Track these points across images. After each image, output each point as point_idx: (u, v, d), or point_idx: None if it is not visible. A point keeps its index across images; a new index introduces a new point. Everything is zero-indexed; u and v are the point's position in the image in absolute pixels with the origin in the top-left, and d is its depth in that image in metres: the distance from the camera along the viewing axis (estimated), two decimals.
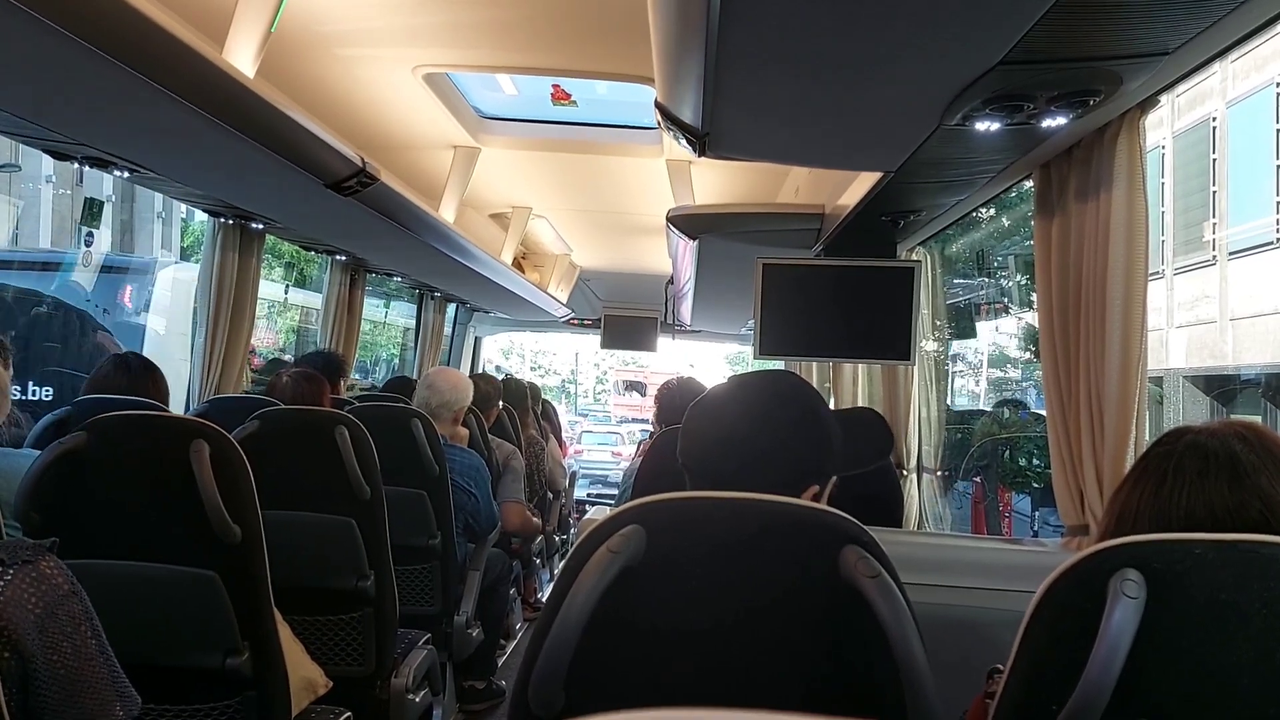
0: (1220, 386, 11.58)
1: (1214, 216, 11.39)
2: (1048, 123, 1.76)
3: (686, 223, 3.18)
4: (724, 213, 3.23)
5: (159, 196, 17.71)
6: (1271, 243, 10.67)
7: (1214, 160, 11.38)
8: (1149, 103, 1.92)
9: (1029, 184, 2.50)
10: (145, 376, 2.99)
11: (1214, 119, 11.29)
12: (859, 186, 2.45)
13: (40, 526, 2.01)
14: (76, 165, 2.74)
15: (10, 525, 2.02)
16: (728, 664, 1.10)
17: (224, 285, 3.86)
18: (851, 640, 1.09)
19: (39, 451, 2.18)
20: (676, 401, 3.59)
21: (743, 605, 1.10)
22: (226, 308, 3.90)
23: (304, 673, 2.46)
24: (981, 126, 1.74)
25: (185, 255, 20.48)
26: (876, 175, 2.31)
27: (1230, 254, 11.41)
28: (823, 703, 1.09)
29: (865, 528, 1.14)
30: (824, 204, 2.98)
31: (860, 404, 4.05)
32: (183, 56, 1.95)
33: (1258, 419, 10.59)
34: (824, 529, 1.11)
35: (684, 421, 1.43)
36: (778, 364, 4.36)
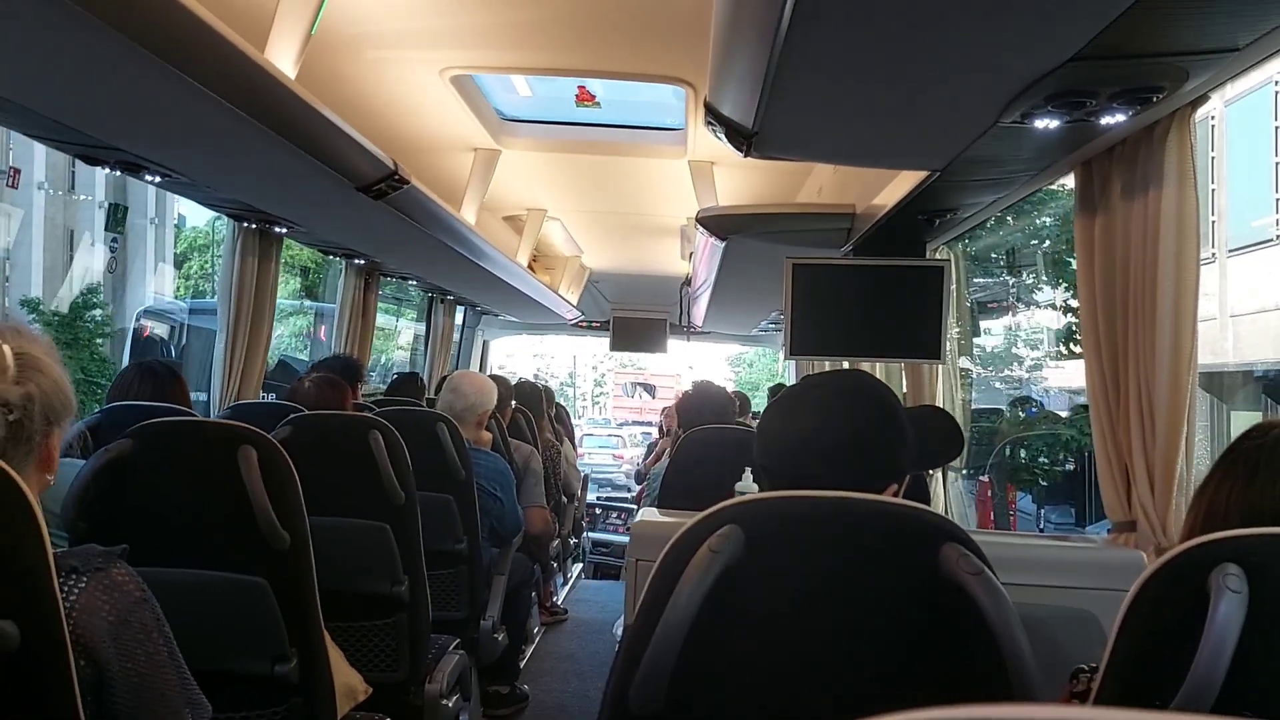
0: (1224, 383, 11.58)
1: (1214, 214, 11.42)
2: (1105, 120, 1.75)
3: (717, 223, 3.18)
4: (754, 213, 3.23)
5: (151, 200, 17.63)
6: (1271, 239, 10.70)
7: (1213, 158, 11.41)
8: (1200, 99, 1.92)
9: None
10: (172, 383, 2.99)
11: (1213, 117, 11.32)
12: (898, 186, 2.45)
13: (87, 535, 2.00)
14: (106, 171, 2.73)
15: (57, 534, 2.00)
16: (830, 662, 1.09)
17: (244, 290, 3.84)
18: (954, 636, 1.09)
19: (78, 460, 2.16)
20: (697, 404, 3.60)
21: (843, 603, 1.10)
22: (247, 313, 3.87)
23: (345, 679, 2.45)
24: (1039, 124, 1.74)
25: (179, 261, 20.38)
26: (917, 175, 2.30)
27: (1230, 251, 11.44)
28: (927, 699, 1.09)
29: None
30: (854, 203, 2.98)
31: None
32: (229, 57, 1.94)
33: (1258, 415, 10.65)
34: (924, 527, 1.10)
35: (761, 421, 1.42)
36: (811, 364, 4.33)
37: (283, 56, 2.22)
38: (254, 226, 3.71)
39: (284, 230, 3.77)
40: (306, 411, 3.05)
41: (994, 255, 10.82)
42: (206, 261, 19.69)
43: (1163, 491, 2.08)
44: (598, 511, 8.30)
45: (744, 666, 1.10)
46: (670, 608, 1.05)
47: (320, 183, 2.78)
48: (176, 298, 18.87)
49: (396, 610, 2.87)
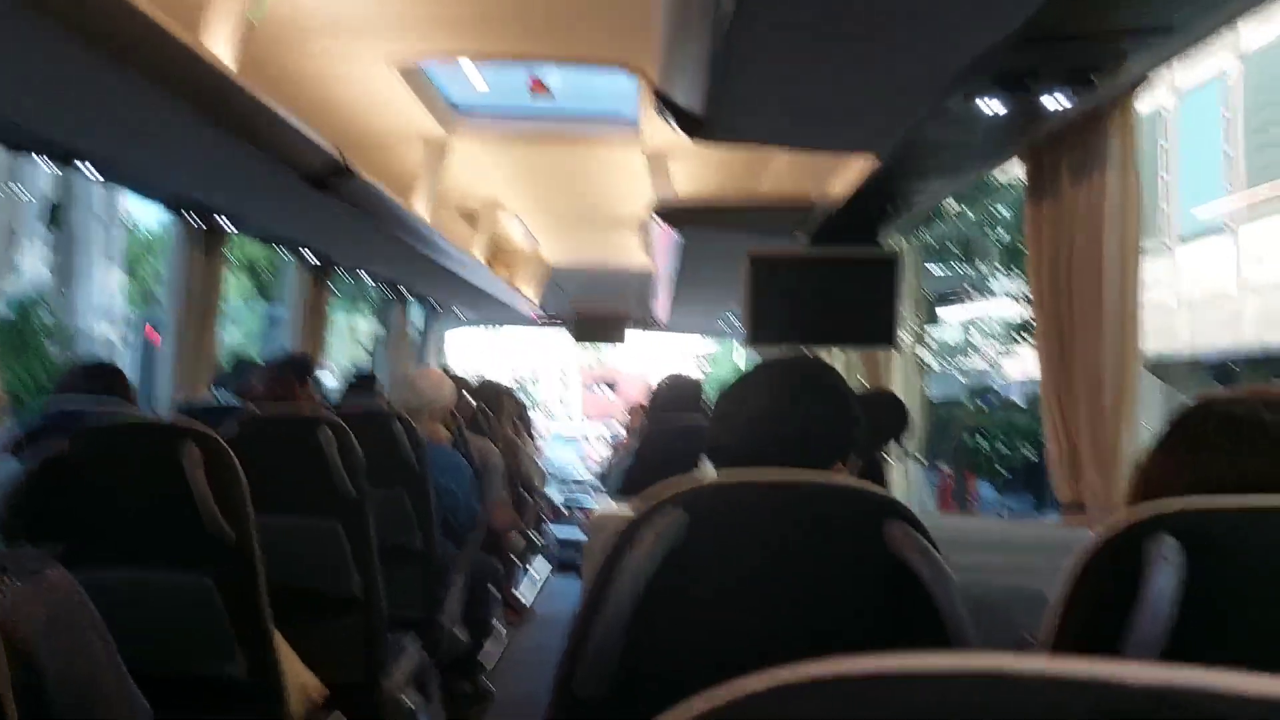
0: (1178, 370, 11.76)
1: (1165, 204, 11.60)
2: (1048, 102, 1.76)
3: (673, 215, 3.17)
4: (711, 205, 3.22)
5: (98, 199, 17.28)
6: (1221, 229, 10.88)
7: (1163, 148, 11.58)
8: (1141, 85, 1.93)
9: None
10: (116, 382, 2.93)
11: (1165, 109, 11.49)
12: (849, 175, 2.45)
13: (25, 537, 1.95)
14: (49, 169, 2.66)
15: None
16: (776, 642, 1.09)
17: (191, 287, 3.78)
18: (898, 612, 1.08)
19: (12, 460, 2.12)
20: (668, 395, 3.58)
21: (790, 582, 1.09)
22: (196, 310, 3.82)
23: (298, 679, 2.42)
24: (984, 106, 1.74)
25: (130, 261, 20.01)
26: (869, 164, 2.31)
27: (1181, 239, 11.62)
28: None
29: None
30: (810, 194, 2.99)
31: None
32: (161, 44, 1.89)
33: None
34: (868, 504, 1.10)
35: (715, 406, 1.43)
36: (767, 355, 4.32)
37: (220, 44, 2.17)
38: (198, 221, 3.64)
39: (229, 224, 3.70)
40: (255, 409, 3.01)
41: (950, 246, 10.92)
42: (157, 263, 19.35)
43: (1109, 473, 2.11)
44: (564, 510, 8.29)
45: (690, 649, 1.09)
46: (614, 594, 1.03)
47: (264, 175, 2.74)
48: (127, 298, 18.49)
49: (351, 609, 2.84)
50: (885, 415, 1.53)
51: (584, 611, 1.08)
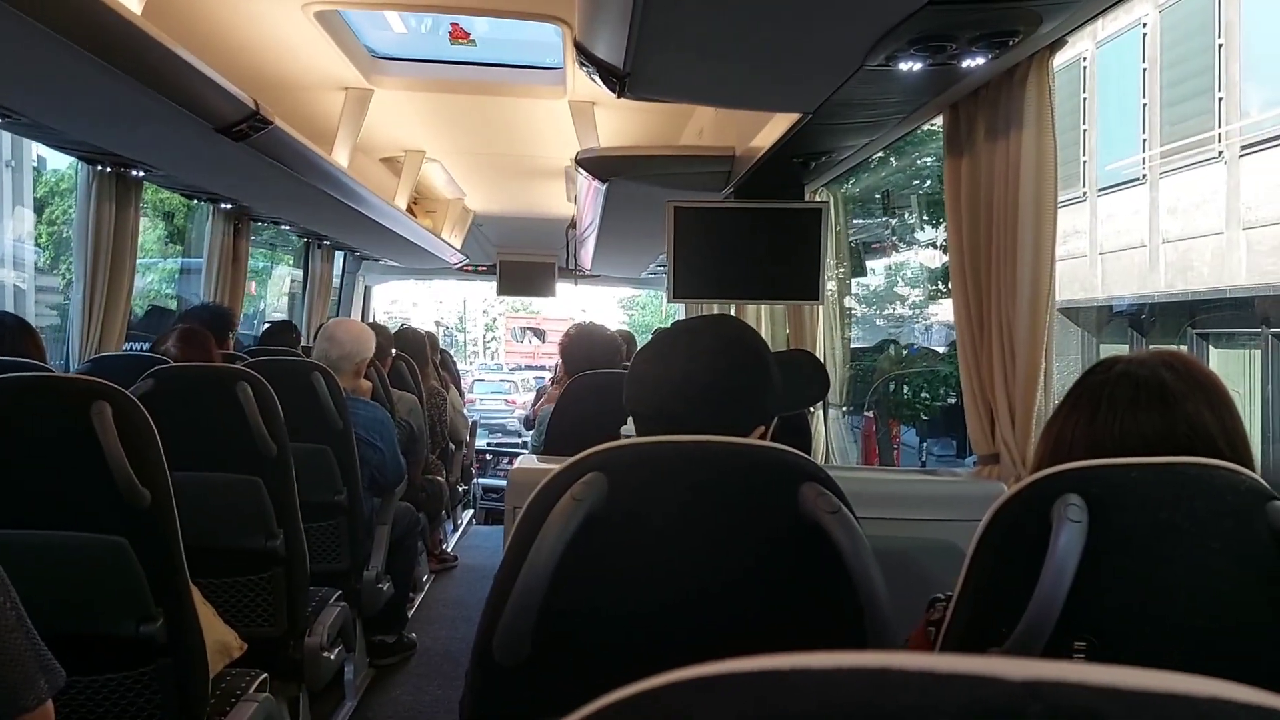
0: (1093, 317, 12.09)
1: (1084, 154, 11.82)
2: (966, 63, 1.78)
3: (597, 165, 3.14)
4: (634, 155, 3.19)
5: (7, 143, 16.57)
6: (1138, 179, 11.14)
7: (1084, 99, 11.78)
8: (1057, 44, 1.96)
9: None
10: (21, 336, 2.84)
11: (1084, 59, 11.66)
12: (773, 128, 2.45)
13: None
14: None
15: None
16: (694, 604, 1.10)
17: (101, 238, 3.66)
18: (813, 574, 1.11)
19: None
20: (584, 349, 3.55)
21: (706, 545, 1.10)
22: (105, 261, 3.70)
23: (217, 636, 2.39)
24: (903, 67, 1.75)
25: (39, 206, 19.29)
26: (791, 117, 2.31)
27: (1100, 190, 11.88)
28: (789, 637, 1.11)
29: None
30: (734, 146, 2.98)
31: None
32: None
33: (1125, 347, 11.20)
34: (783, 467, 1.11)
35: (631, 367, 1.42)
36: (701, 307, 4.33)
37: None
38: (109, 170, 3.52)
39: (141, 174, 3.58)
40: (170, 363, 2.94)
41: (877, 197, 11.02)
42: (70, 206, 18.68)
43: (1022, 425, 2.17)
44: (489, 457, 8.28)
45: (609, 614, 1.10)
46: (532, 557, 1.04)
47: (175, 124, 2.65)
48: (37, 245, 17.87)
49: (272, 564, 2.82)
50: (804, 377, 1.55)
51: (503, 576, 1.08)
